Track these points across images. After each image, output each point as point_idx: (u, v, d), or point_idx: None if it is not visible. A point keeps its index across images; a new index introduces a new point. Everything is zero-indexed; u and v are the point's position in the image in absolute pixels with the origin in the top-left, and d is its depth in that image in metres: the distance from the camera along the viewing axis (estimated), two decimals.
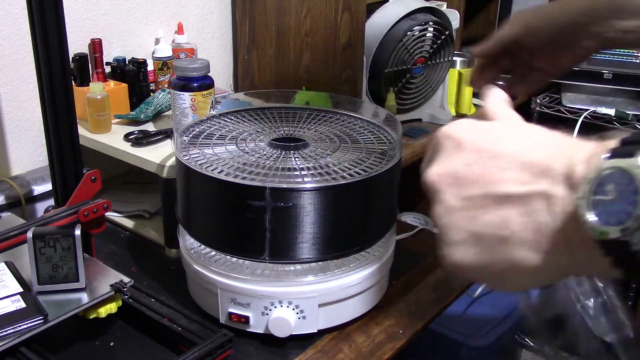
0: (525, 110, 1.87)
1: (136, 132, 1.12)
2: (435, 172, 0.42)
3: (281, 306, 0.82)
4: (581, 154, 0.36)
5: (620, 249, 0.32)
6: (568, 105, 1.78)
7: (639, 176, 0.32)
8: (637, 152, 0.33)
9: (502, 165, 0.38)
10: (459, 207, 0.40)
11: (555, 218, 0.36)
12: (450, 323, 1.64)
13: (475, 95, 1.70)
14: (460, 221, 0.40)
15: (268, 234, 0.79)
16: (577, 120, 1.76)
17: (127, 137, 1.11)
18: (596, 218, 0.33)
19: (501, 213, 0.38)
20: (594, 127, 1.75)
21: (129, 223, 1.15)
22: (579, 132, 1.76)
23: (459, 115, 1.62)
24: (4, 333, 0.73)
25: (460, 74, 1.62)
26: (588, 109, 1.73)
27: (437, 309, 0.94)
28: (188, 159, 0.83)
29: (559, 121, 1.92)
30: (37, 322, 0.75)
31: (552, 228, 0.36)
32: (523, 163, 0.38)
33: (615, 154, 0.34)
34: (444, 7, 1.54)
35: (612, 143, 0.35)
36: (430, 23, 1.44)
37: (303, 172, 0.79)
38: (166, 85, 1.31)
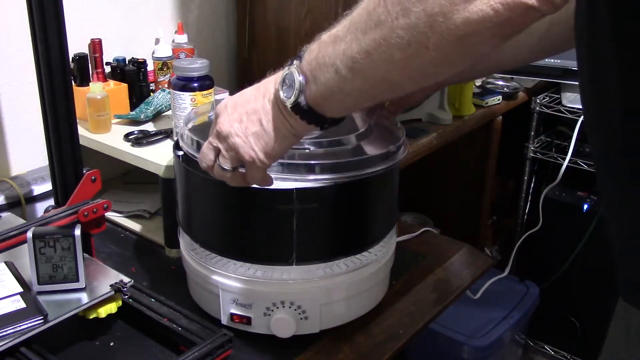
0: (525, 110, 1.87)
1: (136, 132, 1.12)
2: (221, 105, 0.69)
3: (283, 307, 0.82)
4: (280, 72, 0.63)
5: (296, 107, 0.61)
6: (568, 105, 1.78)
7: (294, 73, 0.61)
8: (294, 62, 0.61)
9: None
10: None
11: (272, 101, 0.65)
12: (450, 323, 1.64)
13: (475, 95, 1.70)
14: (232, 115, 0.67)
15: (296, 237, 0.79)
16: (577, 120, 1.76)
17: (127, 137, 1.11)
18: (283, 94, 0.62)
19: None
20: None
21: (129, 223, 1.15)
22: (579, 132, 1.76)
23: (459, 115, 1.62)
24: (4, 333, 0.73)
25: None
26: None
27: (437, 309, 0.94)
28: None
29: (559, 121, 1.92)
30: (37, 322, 0.75)
31: (272, 106, 0.65)
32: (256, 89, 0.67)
33: (289, 64, 0.62)
34: None
35: (290, 60, 0.62)
36: None
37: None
38: (166, 85, 1.31)
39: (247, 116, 0.66)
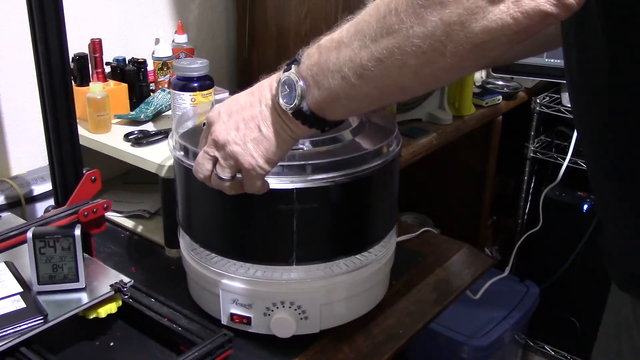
0: (525, 110, 1.87)
1: (136, 132, 1.12)
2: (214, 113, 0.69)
3: (283, 307, 0.82)
4: (274, 77, 0.64)
5: (298, 112, 0.61)
6: (568, 105, 1.78)
7: (293, 78, 0.61)
8: (291, 67, 0.61)
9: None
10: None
11: (270, 106, 0.64)
12: (450, 323, 1.64)
13: (475, 95, 1.70)
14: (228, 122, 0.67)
15: (295, 237, 0.79)
16: None
17: (127, 137, 1.11)
18: (283, 100, 0.62)
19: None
20: None
21: (129, 223, 1.15)
22: None
23: (459, 115, 1.62)
24: (4, 333, 0.73)
25: None
26: None
27: (437, 309, 0.94)
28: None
29: (559, 121, 1.92)
30: (37, 322, 0.75)
31: (270, 111, 0.64)
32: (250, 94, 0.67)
33: (284, 70, 0.62)
34: None
35: (285, 64, 0.63)
36: None
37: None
38: (166, 85, 1.31)
39: (244, 123, 0.65)
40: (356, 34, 0.56)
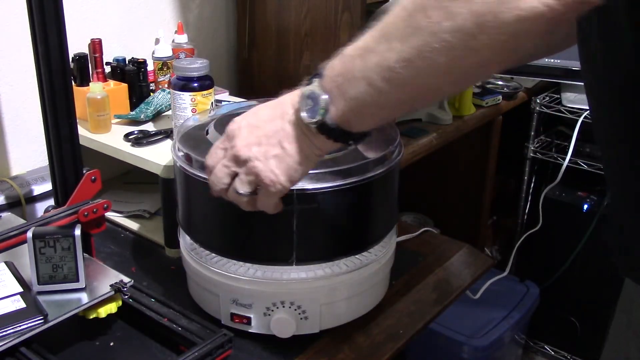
0: (525, 110, 1.87)
1: (136, 132, 1.12)
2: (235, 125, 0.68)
3: (283, 307, 0.82)
4: (296, 92, 0.63)
5: (322, 125, 0.60)
6: (568, 105, 1.78)
7: (316, 92, 0.60)
8: (313, 81, 0.61)
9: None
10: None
11: (293, 122, 0.63)
12: (450, 323, 1.64)
13: (475, 95, 1.70)
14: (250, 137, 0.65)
15: (295, 237, 0.78)
16: (577, 120, 1.76)
17: (127, 137, 1.11)
18: (307, 114, 0.61)
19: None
20: None
21: (129, 223, 1.15)
22: (579, 132, 1.76)
23: (459, 115, 1.62)
24: (4, 333, 0.73)
25: None
26: (588, 109, 1.73)
27: (437, 309, 0.94)
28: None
29: (559, 121, 1.92)
30: (37, 322, 0.75)
31: (293, 127, 0.63)
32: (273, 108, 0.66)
33: (307, 83, 0.61)
34: None
35: (307, 79, 0.62)
36: None
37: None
38: (166, 85, 1.31)
39: (266, 139, 0.64)
40: (381, 37, 0.54)
